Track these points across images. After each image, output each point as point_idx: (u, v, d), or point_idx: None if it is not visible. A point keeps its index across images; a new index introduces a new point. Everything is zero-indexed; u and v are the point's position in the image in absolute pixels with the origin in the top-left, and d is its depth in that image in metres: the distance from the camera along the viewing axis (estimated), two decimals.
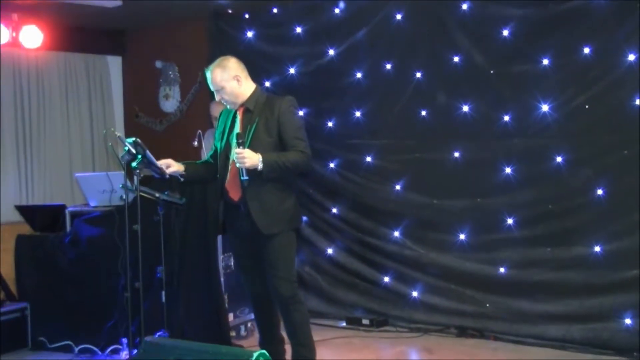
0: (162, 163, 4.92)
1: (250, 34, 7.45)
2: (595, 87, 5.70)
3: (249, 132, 4.88)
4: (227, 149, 4.99)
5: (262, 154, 4.73)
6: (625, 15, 5.53)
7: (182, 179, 5.09)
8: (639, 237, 5.54)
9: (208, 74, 4.98)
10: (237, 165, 4.75)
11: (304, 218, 6.88)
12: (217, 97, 5.05)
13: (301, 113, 6.51)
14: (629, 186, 5.60)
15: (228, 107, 5.07)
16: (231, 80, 4.94)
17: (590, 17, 5.69)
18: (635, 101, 5.52)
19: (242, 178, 4.76)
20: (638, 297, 5.53)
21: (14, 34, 7.63)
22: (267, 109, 4.94)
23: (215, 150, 5.16)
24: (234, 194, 4.95)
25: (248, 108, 4.98)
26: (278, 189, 4.92)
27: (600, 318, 5.70)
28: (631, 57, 5.50)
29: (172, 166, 4.95)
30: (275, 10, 7.34)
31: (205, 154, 5.95)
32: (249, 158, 4.71)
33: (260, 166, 4.72)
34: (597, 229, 5.75)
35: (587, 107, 5.74)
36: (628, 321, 5.57)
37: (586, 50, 5.69)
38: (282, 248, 4.94)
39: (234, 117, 5.04)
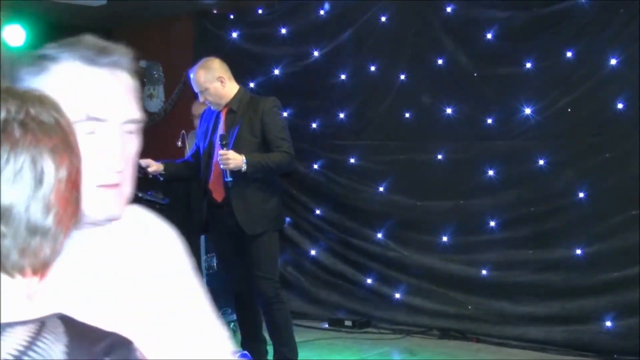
0: (141, 162, 4.90)
1: (235, 34, 7.45)
2: (577, 90, 5.73)
3: (232, 133, 4.89)
4: (210, 149, 5.00)
5: (246, 155, 4.74)
6: (608, 18, 5.57)
7: (161, 179, 5.08)
8: (620, 240, 5.58)
9: (192, 76, 4.99)
10: (222, 166, 4.76)
11: (287, 219, 6.88)
12: (201, 98, 5.06)
13: (285, 114, 6.50)
14: (611, 189, 5.63)
15: (212, 107, 5.07)
16: (215, 82, 4.94)
17: (573, 21, 5.72)
18: (617, 104, 5.55)
19: (226, 179, 4.77)
20: (618, 299, 5.56)
21: None
22: (251, 110, 4.95)
23: (196, 150, 5.16)
24: (218, 194, 4.96)
25: (232, 109, 4.99)
26: (262, 189, 4.94)
27: (581, 320, 5.73)
28: (613, 61, 5.53)
29: (151, 166, 4.94)
30: (260, 11, 7.34)
31: None
32: (233, 159, 4.72)
33: (244, 167, 4.73)
34: (578, 231, 5.77)
35: (569, 109, 5.77)
36: (608, 323, 5.60)
37: (569, 53, 5.73)
38: (265, 248, 4.96)
39: (217, 117, 5.05)
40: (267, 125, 4.90)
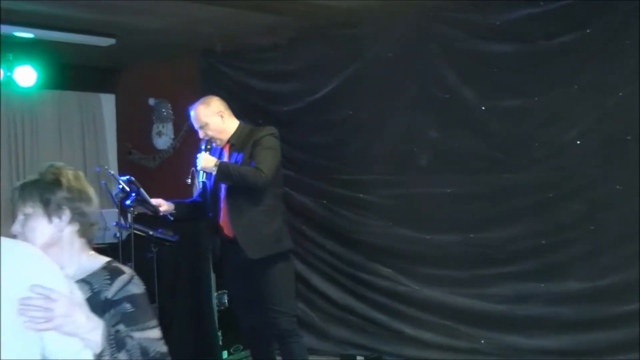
0: (153, 202, 4.97)
1: (241, 71, 7.50)
2: (585, 122, 5.73)
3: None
4: (217, 186, 5.04)
5: (221, 162, 4.90)
6: (613, 50, 5.58)
7: (171, 218, 5.13)
8: (633, 271, 5.54)
9: (192, 112, 5.07)
10: (197, 167, 4.96)
11: (296, 254, 6.86)
12: (201, 134, 5.12)
13: (291, 149, 6.55)
14: (621, 220, 5.62)
15: (214, 144, 5.13)
16: (214, 116, 5.03)
17: (579, 53, 5.74)
18: (625, 136, 5.55)
19: (200, 180, 4.99)
20: (632, 332, 5.52)
21: (9, 73, 7.66)
22: (250, 141, 5.01)
23: (204, 188, 5.19)
24: (229, 230, 4.99)
25: (233, 143, 5.05)
26: (263, 213, 4.96)
27: (593, 354, 5.67)
28: (620, 93, 5.54)
29: (162, 206, 5.00)
30: (266, 48, 7.39)
31: None
32: (204, 160, 4.91)
33: (214, 170, 4.85)
34: (589, 263, 5.74)
35: (578, 142, 5.77)
36: (622, 358, 5.55)
37: (575, 85, 5.74)
38: (280, 282, 4.97)
39: (220, 154, 5.10)
40: (257, 147, 4.96)
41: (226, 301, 6.14)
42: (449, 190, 6.38)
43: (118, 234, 5.12)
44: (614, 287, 5.62)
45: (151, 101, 8.87)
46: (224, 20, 6.71)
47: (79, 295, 2.40)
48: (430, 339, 6.50)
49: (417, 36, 6.48)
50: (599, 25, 5.61)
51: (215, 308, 6.08)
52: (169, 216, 5.11)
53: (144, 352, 2.51)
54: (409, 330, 6.62)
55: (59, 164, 2.72)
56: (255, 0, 6.06)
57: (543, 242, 5.94)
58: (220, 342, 6.07)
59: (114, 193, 5.07)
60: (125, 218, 5.05)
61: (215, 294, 6.12)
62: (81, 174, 2.74)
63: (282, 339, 5.02)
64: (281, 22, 6.85)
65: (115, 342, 2.40)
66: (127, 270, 2.68)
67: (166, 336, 5.54)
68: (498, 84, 6.09)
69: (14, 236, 2.61)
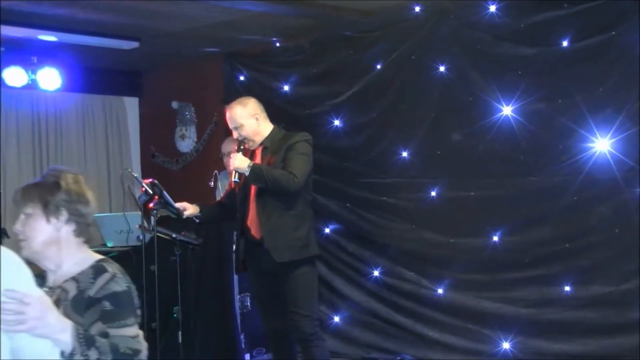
0: (178, 206, 4.98)
1: (264, 75, 7.51)
2: (610, 125, 5.69)
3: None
4: (246, 187, 5.05)
5: (254, 164, 4.90)
6: (638, 53, 5.53)
7: (197, 221, 5.15)
8: None
9: (227, 112, 5.09)
10: (231, 167, 4.96)
11: (319, 256, 6.86)
12: (234, 135, 5.14)
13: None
14: None
15: (247, 145, 5.14)
16: (250, 118, 5.04)
17: (604, 56, 5.69)
18: None
19: (233, 179, 4.97)
20: None
21: (33, 76, 7.72)
22: (284, 145, 5.02)
23: (232, 192, 5.20)
24: (256, 231, 5.00)
25: (266, 147, 5.06)
26: (292, 217, 4.97)
27: (618, 358, 5.64)
28: None
29: (188, 209, 5.02)
30: (290, 52, 7.39)
31: (221, 194, 6.01)
32: (237, 160, 4.89)
33: (247, 171, 4.85)
34: (614, 267, 5.70)
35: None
36: None
37: (600, 88, 5.69)
38: (302, 285, 4.98)
39: (252, 155, 5.11)
40: (290, 152, 4.96)
41: (249, 304, 6.14)
42: (472, 194, 6.35)
43: (141, 237, 5.12)
44: (638, 291, 5.57)
45: (174, 104, 8.91)
46: (246, 23, 6.72)
47: (48, 299, 2.52)
48: (454, 343, 6.48)
49: (440, 38, 6.45)
50: (624, 28, 5.56)
51: (238, 310, 6.09)
52: (195, 219, 5.13)
53: (114, 349, 2.58)
54: (432, 333, 6.59)
55: (61, 167, 2.89)
56: (278, 3, 6.07)
57: (567, 245, 5.90)
58: (243, 345, 6.07)
59: (137, 196, 5.09)
60: (149, 221, 5.06)
61: (238, 297, 6.12)
62: (81, 177, 2.89)
63: (304, 342, 5.02)
64: (304, 26, 6.86)
65: (85, 340, 2.50)
66: (111, 269, 2.78)
67: (189, 338, 5.57)
68: (522, 87, 6.05)
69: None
